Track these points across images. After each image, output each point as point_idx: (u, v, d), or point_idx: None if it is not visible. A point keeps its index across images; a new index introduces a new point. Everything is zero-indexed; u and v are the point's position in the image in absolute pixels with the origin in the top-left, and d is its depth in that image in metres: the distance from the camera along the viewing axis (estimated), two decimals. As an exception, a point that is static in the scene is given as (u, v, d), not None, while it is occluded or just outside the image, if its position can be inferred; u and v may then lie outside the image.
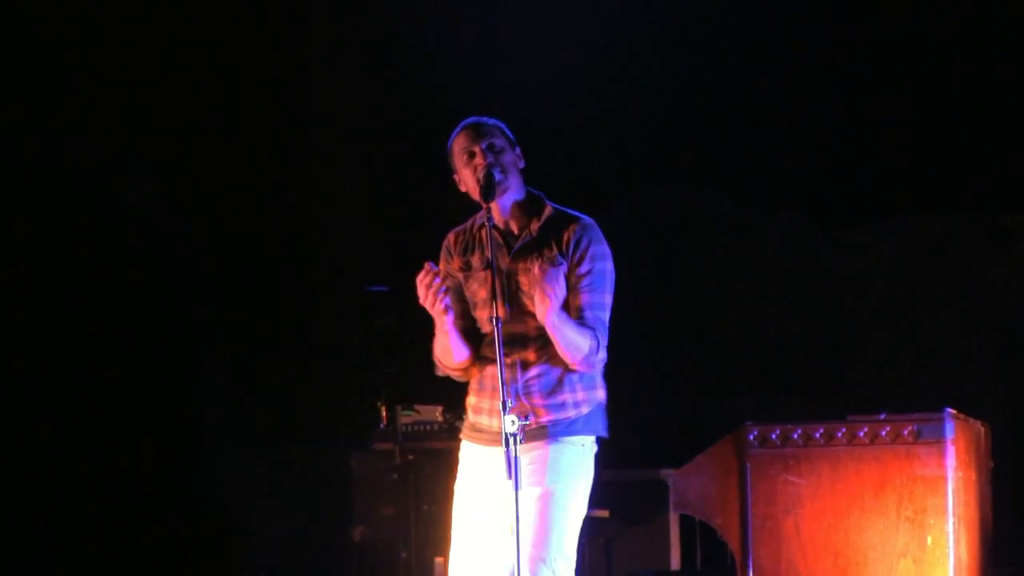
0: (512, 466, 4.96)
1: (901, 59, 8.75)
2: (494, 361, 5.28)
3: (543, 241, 5.29)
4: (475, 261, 5.36)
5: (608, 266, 5.31)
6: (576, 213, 5.37)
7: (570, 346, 5.15)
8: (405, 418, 8.22)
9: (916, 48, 8.72)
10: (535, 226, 5.31)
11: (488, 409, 5.32)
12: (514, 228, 5.34)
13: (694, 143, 9.09)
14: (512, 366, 5.23)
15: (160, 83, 8.72)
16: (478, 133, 5.29)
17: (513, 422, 4.97)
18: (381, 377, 8.37)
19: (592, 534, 8.07)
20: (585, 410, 5.28)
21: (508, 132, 5.35)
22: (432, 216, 6.54)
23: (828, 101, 8.86)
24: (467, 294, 5.38)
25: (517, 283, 5.26)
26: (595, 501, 8.02)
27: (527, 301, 5.24)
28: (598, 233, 5.33)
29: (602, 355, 5.27)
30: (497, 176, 5.24)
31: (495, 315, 5.11)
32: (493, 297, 5.21)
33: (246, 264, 8.96)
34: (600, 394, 5.34)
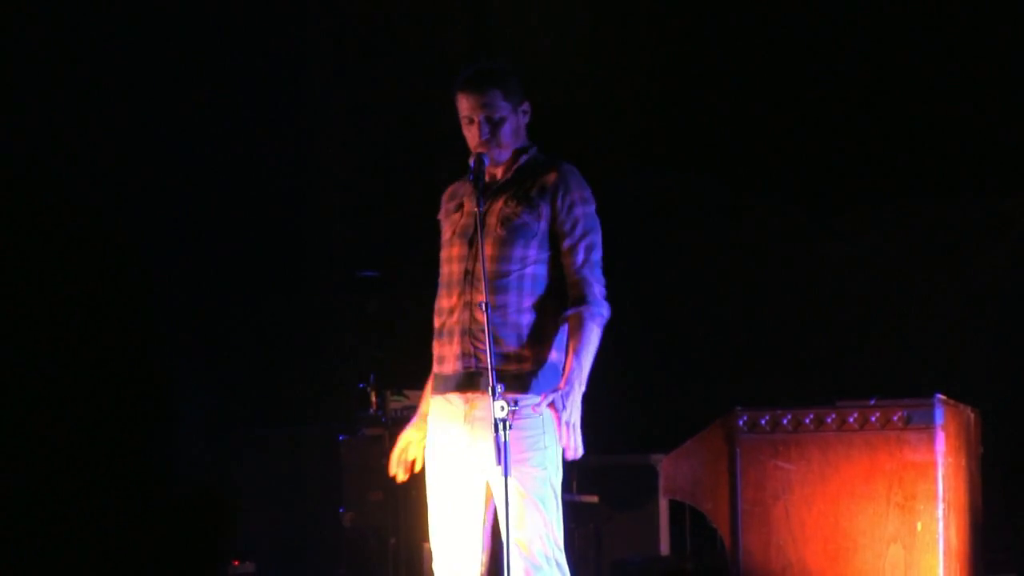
0: (502, 451, 4.93)
1: (894, 46, 8.74)
2: (451, 309, 5.24)
3: (515, 182, 5.27)
4: (452, 205, 5.36)
5: (592, 208, 5.26)
6: (556, 159, 5.31)
7: (597, 344, 5.16)
8: (394, 403, 8.21)
9: (909, 34, 8.70)
10: (512, 169, 5.29)
11: (446, 356, 5.26)
12: (498, 176, 5.32)
13: (688, 130, 9.08)
14: (465, 306, 5.21)
15: (157, 74, 8.70)
16: (480, 101, 5.24)
17: (503, 408, 4.93)
18: (370, 362, 8.36)
19: (581, 519, 8.07)
20: (528, 367, 5.18)
21: (516, 85, 5.29)
22: (422, 202, 6.51)
23: (821, 88, 8.85)
24: (442, 232, 5.39)
25: (484, 222, 5.20)
26: (584, 486, 8.04)
27: (489, 240, 5.19)
28: (579, 178, 5.28)
29: (607, 309, 5.20)
30: (486, 162, 5.23)
31: (486, 302, 5.07)
32: (473, 240, 5.19)
33: (236, 250, 8.94)
34: (551, 355, 5.22)
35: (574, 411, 5.08)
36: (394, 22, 9.35)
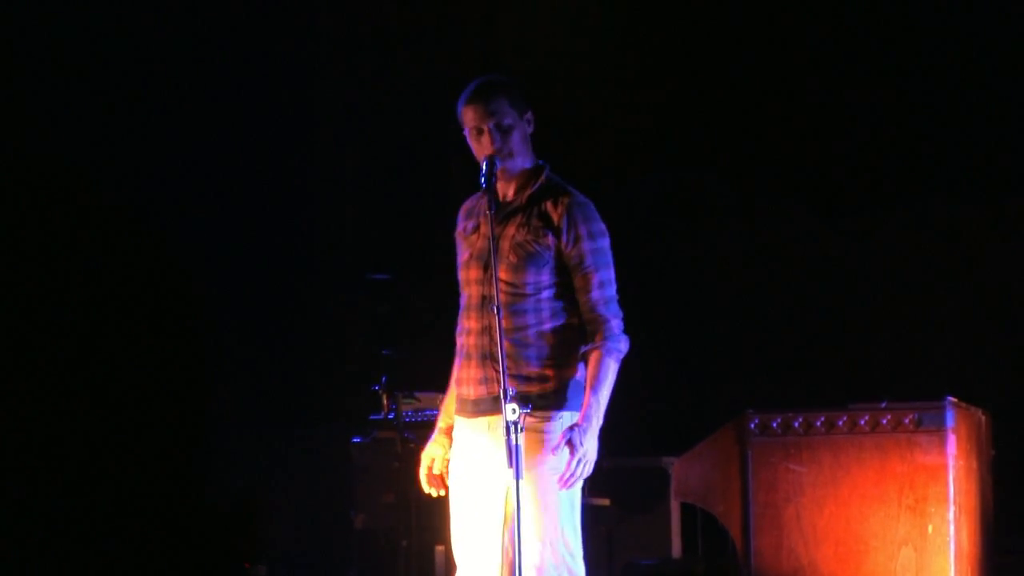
0: (513, 455, 4.94)
1: (901, 46, 8.74)
2: (470, 331, 5.27)
3: (527, 208, 5.28)
4: (470, 224, 5.37)
5: (606, 242, 5.28)
6: (570, 189, 5.32)
7: (613, 379, 5.21)
8: (406, 406, 8.22)
9: (916, 35, 8.70)
10: (525, 194, 5.31)
11: (467, 379, 5.29)
12: (509, 195, 5.33)
13: (698, 131, 9.08)
14: (482, 331, 5.23)
15: (168, 76, 8.71)
16: (487, 110, 5.25)
17: (514, 410, 4.94)
18: (382, 365, 8.37)
19: (593, 522, 8.07)
20: (551, 386, 5.21)
21: (519, 95, 5.31)
22: (433, 205, 6.54)
23: (830, 89, 8.85)
24: (459, 252, 5.40)
25: (498, 247, 5.21)
26: (596, 489, 8.04)
27: (503, 266, 5.22)
28: (592, 211, 5.29)
29: (624, 343, 5.26)
30: (498, 164, 5.23)
31: (496, 304, 5.09)
32: (489, 264, 5.19)
33: (249, 252, 8.95)
34: (571, 372, 5.26)
35: (590, 448, 5.11)
36: (405, 23, 9.36)
